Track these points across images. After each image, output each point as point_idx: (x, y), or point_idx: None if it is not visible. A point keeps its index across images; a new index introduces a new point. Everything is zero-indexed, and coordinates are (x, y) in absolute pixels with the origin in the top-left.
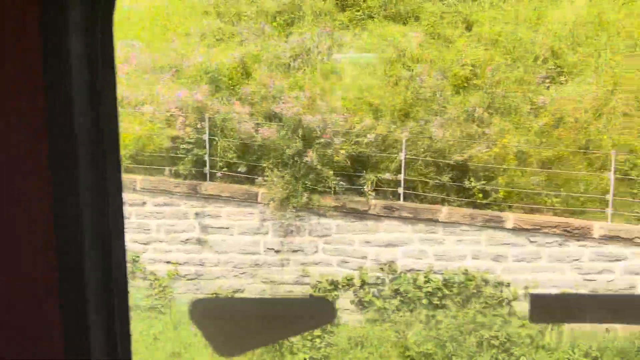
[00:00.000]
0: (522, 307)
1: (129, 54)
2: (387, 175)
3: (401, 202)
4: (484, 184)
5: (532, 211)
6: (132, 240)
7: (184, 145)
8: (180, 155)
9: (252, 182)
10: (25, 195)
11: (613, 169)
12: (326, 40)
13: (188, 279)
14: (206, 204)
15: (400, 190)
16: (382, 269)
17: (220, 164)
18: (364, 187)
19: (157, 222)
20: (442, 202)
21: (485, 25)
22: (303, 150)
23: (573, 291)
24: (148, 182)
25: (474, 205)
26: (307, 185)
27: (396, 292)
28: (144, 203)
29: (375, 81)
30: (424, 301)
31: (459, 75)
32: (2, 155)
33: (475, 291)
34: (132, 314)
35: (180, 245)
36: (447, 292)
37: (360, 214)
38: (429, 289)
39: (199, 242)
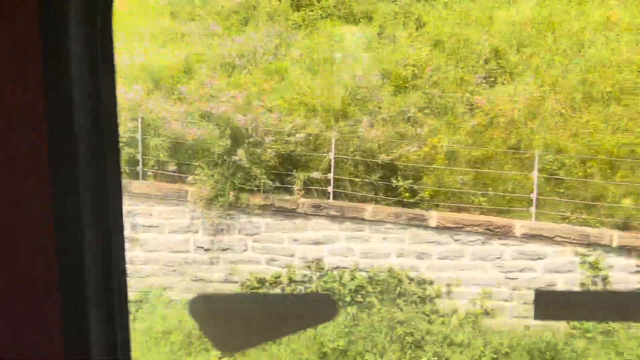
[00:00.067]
0: (445, 304)
1: None
2: (317, 175)
3: (330, 200)
4: (411, 183)
5: (459, 210)
6: None
7: None
8: None
9: (183, 181)
10: (25, 195)
11: (536, 168)
12: (274, 40)
13: None
14: (137, 203)
15: (330, 189)
16: (309, 266)
17: (152, 162)
18: (294, 186)
19: None
20: (371, 201)
21: (433, 26)
22: (233, 149)
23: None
24: None
25: (403, 204)
26: (236, 184)
27: (322, 289)
28: None
29: (318, 81)
30: (347, 298)
31: (401, 75)
32: (1, 155)
33: (399, 288)
34: None
35: None
36: (371, 289)
37: (289, 213)
38: (353, 286)
39: (129, 240)
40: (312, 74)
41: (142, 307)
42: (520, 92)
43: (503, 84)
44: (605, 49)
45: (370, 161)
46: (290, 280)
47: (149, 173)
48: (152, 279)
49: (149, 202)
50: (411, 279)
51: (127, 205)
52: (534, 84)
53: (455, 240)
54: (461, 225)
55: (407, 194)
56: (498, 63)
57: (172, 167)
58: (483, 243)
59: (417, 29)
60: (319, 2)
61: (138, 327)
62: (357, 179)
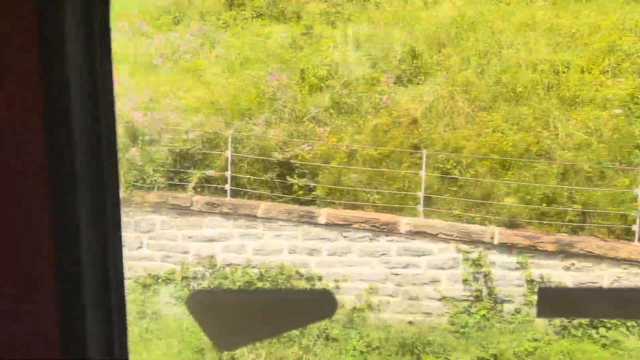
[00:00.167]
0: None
1: None
2: (212, 172)
3: (226, 198)
4: (306, 181)
5: (354, 207)
6: None
7: None
8: None
9: None
10: (22, 195)
11: (424, 167)
12: (198, 39)
13: None
14: None
15: (227, 187)
16: (202, 263)
17: None
18: (189, 184)
19: None
20: (267, 198)
21: (359, 26)
22: (127, 147)
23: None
24: None
25: (300, 202)
26: (131, 182)
27: (213, 285)
28: None
29: (233, 80)
30: None
31: (317, 74)
32: None
33: (288, 284)
34: None
35: None
36: (260, 285)
37: (184, 210)
38: (242, 283)
39: None
40: (230, 72)
41: None
42: (429, 92)
43: (418, 83)
44: (524, 50)
45: (267, 159)
46: (184, 277)
47: None
48: None
49: None
50: (301, 275)
51: None
52: (444, 84)
53: (345, 237)
54: (350, 223)
55: (300, 192)
56: (414, 63)
57: None
58: (371, 240)
59: (345, 28)
60: (251, 2)
61: None
62: (254, 177)
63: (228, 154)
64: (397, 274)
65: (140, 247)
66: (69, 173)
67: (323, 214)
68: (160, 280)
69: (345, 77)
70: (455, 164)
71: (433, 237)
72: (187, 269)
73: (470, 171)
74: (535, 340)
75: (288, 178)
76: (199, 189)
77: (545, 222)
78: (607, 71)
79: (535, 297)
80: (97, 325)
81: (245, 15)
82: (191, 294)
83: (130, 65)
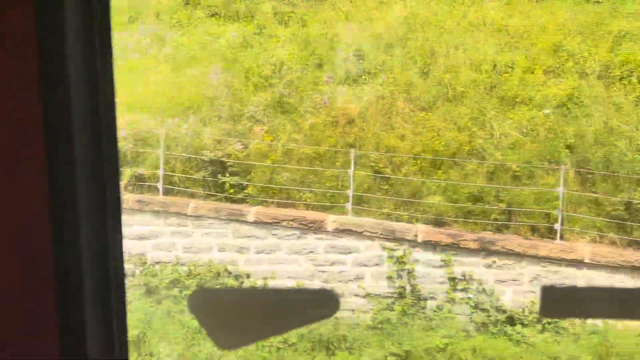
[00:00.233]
0: None
1: None
2: (143, 171)
3: (158, 196)
4: (238, 180)
5: (286, 206)
6: None
7: None
8: None
9: None
10: (22, 195)
11: (352, 166)
12: (146, 39)
13: None
14: None
15: (159, 185)
16: (132, 261)
17: None
18: (120, 182)
19: None
20: (200, 197)
21: (311, 26)
22: None
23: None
24: None
25: (232, 201)
26: None
27: (143, 284)
28: None
29: (177, 79)
30: (163, 292)
31: (262, 74)
32: None
33: (215, 282)
34: None
35: None
36: (187, 283)
37: None
38: (169, 280)
39: None
40: (175, 72)
41: None
42: (370, 92)
43: (363, 83)
44: (472, 50)
45: (201, 158)
46: None
47: None
48: None
49: None
50: (229, 273)
51: None
52: (387, 84)
53: (274, 234)
54: (278, 221)
55: (232, 190)
56: (359, 63)
57: None
58: (299, 237)
59: (300, 28)
60: (206, 1)
61: None
62: (186, 176)
63: (160, 152)
64: (324, 272)
65: None
66: (69, 172)
67: (252, 212)
68: None
69: (289, 76)
70: (387, 163)
71: (359, 235)
72: None
73: (402, 170)
74: (449, 337)
75: (220, 176)
76: (130, 188)
77: (471, 220)
78: (550, 71)
79: (456, 295)
80: (97, 325)
81: (199, 14)
82: (193, 293)
83: None
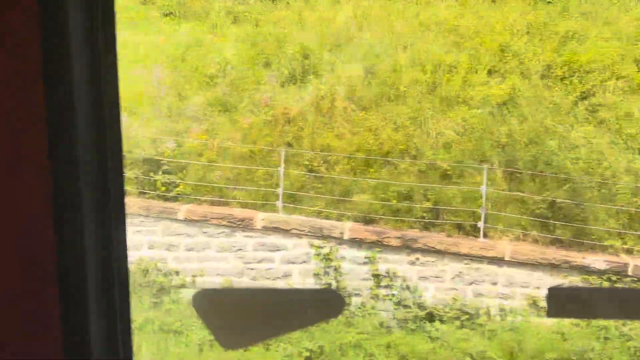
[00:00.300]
0: (189, 293)
1: None
2: None
3: None
4: (171, 178)
5: (219, 204)
6: None
7: None
8: None
9: None
10: (25, 194)
11: (282, 164)
12: None
13: None
14: None
15: None
16: None
17: None
18: None
19: None
20: (132, 195)
21: (262, 25)
22: None
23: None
24: None
25: (165, 199)
26: None
27: None
28: None
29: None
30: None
31: (206, 73)
32: (1, 153)
33: (146, 279)
34: None
35: None
36: None
37: None
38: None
39: None
40: (120, 71)
41: None
42: (311, 92)
43: (306, 83)
44: (421, 49)
45: (134, 156)
46: None
47: None
48: None
49: None
50: (159, 270)
51: None
52: (330, 84)
53: (204, 232)
54: (208, 219)
55: (163, 189)
56: (304, 62)
57: None
58: (228, 235)
59: (253, 27)
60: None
61: None
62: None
63: None
64: (252, 269)
65: None
66: (72, 172)
67: (183, 210)
68: None
69: (233, 75)
70: (322, 162)
71: (287, 232)
72: None
73: (335, 169)
74: (367, 333)
75: (152, 175)
76: None
77: (398, 218)
78: (495, 71)
79: (380, 291)
80: (101, 326)
81: (154, 13)
82: (197, 292)
83: None
